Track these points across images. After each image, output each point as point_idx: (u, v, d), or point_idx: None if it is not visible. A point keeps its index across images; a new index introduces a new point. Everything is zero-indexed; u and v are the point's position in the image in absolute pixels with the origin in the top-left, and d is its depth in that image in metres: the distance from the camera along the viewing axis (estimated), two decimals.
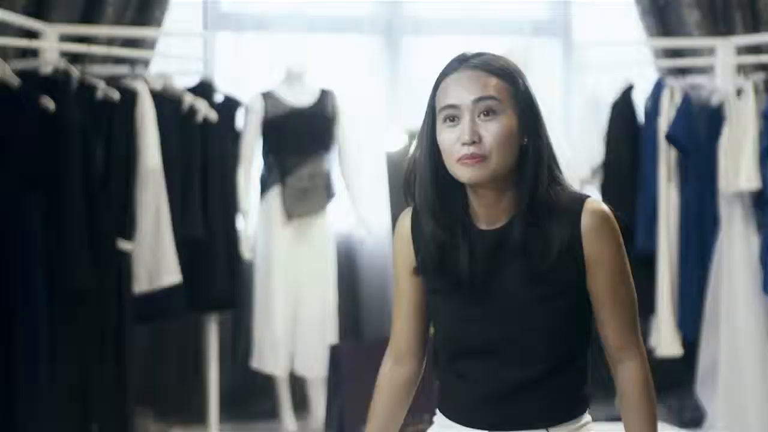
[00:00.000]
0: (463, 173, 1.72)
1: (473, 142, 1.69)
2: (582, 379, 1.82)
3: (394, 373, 1.90)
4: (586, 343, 1.82)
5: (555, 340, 1.76)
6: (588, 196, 1.77)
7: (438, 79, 1.78)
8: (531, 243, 1.73)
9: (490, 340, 1.76)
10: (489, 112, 1.71)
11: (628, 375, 1.79)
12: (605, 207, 1.77)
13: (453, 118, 1.72)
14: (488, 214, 1.77)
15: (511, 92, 1.73)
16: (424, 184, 1.77)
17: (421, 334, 1.90)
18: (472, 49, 1.81)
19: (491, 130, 1.70)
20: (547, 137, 1.76)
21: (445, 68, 1.77)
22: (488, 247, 1.75)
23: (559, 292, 1.74)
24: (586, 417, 1.84)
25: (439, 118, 1.75)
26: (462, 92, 1.71)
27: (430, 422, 1.93)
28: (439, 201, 1.76)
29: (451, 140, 1.72)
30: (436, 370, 1.87)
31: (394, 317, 1.90)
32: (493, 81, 1.72)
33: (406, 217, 1.85)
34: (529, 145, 1.74)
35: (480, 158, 1.70)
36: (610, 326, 1.77)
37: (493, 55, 1.77)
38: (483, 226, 1.77)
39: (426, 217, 1.77)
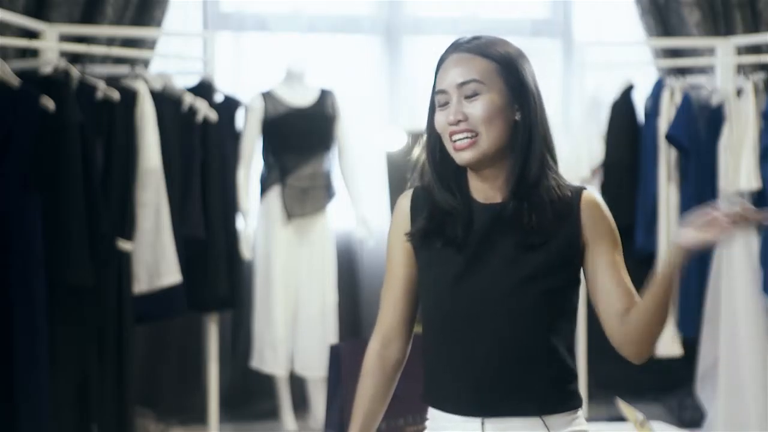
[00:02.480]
0: (458, 156, 1.80)
1: (458, 121, 1.78)
2: (570, 373, 1.82)
3: (382, 354, 1.92)
4: (570, 333, 1.83)
5: (541, 315, 1.77)
6: (585, 188, 1.84)
7: (436, 65, 1.86)
8: (526, 218, 1.78)
9: (477, 308, 1.78)
10: (474, 94, 1.79)
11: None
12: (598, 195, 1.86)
13: (444, 103, 1.82)
14: (486, 190, 1.83)
15: (497, 71, 1.80)
16: (430, 161, 1.86)
17: (409, 317, 1.92)
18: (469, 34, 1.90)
19: (476, 108, 1.78)
20: (542, 118, 1.83)
21: (442, 54, 1.86)
22: (484, 220, 1.81)
23: (548, 268, 1.77)
24: (579, 413, 1.84)
25: (435, 102, 1.84)
26: (449, 77, 1.81)
27: None
28: (444, 176, 1.84)
29: (443, 122, 1.81)
30: (427, 362, 1.87)
31: (382, 300, 1.93)
32: (478, 63, 1.80)
33: (405, 197, 1.92)
34: (521, 121, 1.81)
35: (470, 138, 1.78)
36: (617, 293, 1.78)
37: (488, 39, 1.84)
38: (482, 201, 1.84)
39: (431, 188, 1.86)
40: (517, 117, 1.80)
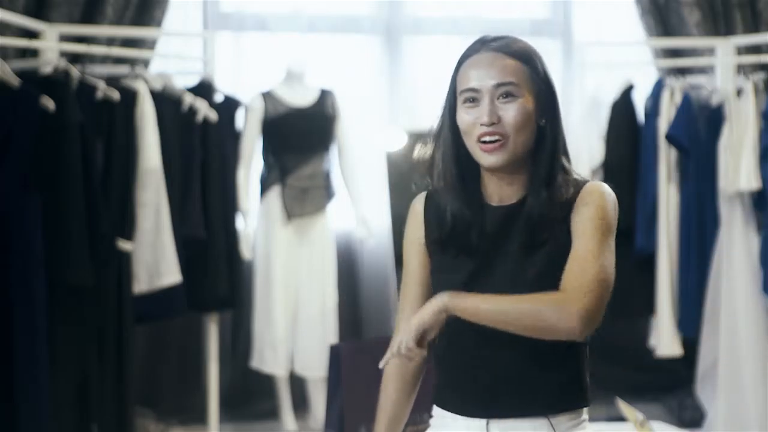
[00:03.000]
0: (484, 159, 1.77)
1: (492, 123, 1.75)
2: (580, 370, 1.82)
3: (402, 361, 1.90)
4: None
5: None
6: (588, 180, 1.81)
7: (459, 61, 1.82)
8: (536, 218, 1.77)
9: None
10: (508, 95, 1.76)
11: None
12: (604, 186, 1.79)
13: (473, 100, 1.78)
14: (501, 192, 1.82)
15: (529, 74, 1.78)
16: (445, 162, 1.83)
17: None
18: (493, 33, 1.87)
19: (510, 112, 1.75)
20: (561, 121, 1.82)
21: (466, 51, 1.83)
22: (498, 223, 1.80)
23: (552, 266, 1.74)
24: (586, 414, 1.84)
25: (460, 99, 1.80)
26: (482, 76, 1.77)
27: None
28: (459, 178, 1.82)
29: (470, 121, 1.77)
30: (433, 362, 1.87)
31: (401, 305, 1.92)
32: (512, 64, 1.77)
33: (418, 201, 1.90)
34: (547, 126, 1.79)
35: (500, 141, 1.75)
36: (565, 275, 1.71)
37: (513, 39, 1.82)
38: (495, 203, 1.82)
39: (444, 193, 1.83)
40: (542, 122, 1.78)
